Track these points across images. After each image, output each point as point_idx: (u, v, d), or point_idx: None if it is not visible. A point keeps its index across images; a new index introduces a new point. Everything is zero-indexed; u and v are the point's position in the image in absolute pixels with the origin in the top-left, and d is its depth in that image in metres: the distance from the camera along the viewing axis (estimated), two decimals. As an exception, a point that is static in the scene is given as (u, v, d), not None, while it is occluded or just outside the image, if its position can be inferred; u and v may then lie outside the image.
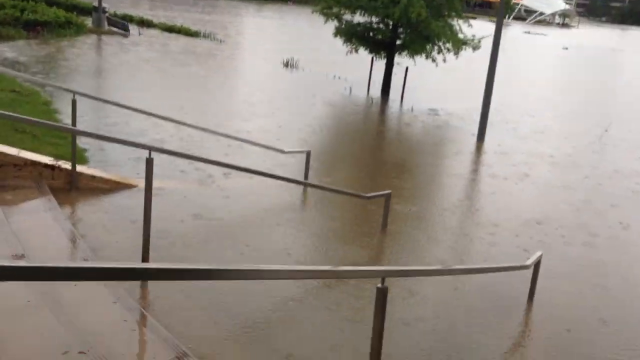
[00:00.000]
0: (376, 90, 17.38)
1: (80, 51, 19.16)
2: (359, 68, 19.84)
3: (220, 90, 15.46)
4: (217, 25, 32.93)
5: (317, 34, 36.51)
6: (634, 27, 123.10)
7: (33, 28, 21.10)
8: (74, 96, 7.14)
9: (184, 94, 14.19)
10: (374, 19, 16.83)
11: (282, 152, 8.33)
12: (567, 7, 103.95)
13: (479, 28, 17.45)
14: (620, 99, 22.94)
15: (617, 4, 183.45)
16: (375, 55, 17.40)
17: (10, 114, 6.27)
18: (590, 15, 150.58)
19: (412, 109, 15.22)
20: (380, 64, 17.61)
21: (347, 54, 17.55)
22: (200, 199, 7.47)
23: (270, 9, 61.35)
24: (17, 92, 11.63)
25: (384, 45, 16.98)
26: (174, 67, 18.42)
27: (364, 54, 17.56)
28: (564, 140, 13.38)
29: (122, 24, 25.20)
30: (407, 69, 16.53)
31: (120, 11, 30.25)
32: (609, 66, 37.54)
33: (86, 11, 29.19)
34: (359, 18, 16.82)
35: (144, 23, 28.44)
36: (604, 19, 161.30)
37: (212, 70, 18.95)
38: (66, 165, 7.34)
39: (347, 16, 17.11)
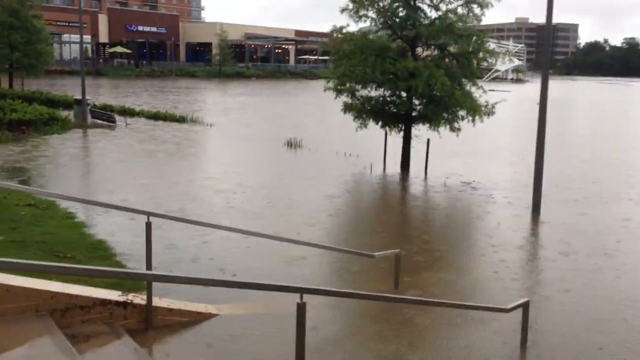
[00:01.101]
0: (393, 166, 16.68)
1: (74, 151, 18.06)
2: (366, 143, 19.32)
3: (237, 185, 14.39)
4: (195, 108, 32.23)
5: (301, 107, 36.26)
6: (579, 77, 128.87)
7: (17, 128, 19.93)
8: (148, 219, 6.03)
9: (199, 193, 13.14)
10: (387, 93, 16.34)
11: (370, 256, 7.30)
12: (520, 63, 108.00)
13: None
14: None
15: (561, 57, 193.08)
16: (389, 128, 16.79)
17: (85, 267, 5.09)
18: (537, 68, 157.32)
19: (444, 184, 14.49)
20: (389, 138, 17.08)
21: (356, 130, 16.91)
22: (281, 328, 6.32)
23: (236, 85, 61.36)
24: (33, 206, 10.41)
25: (398, 118, 16.43)
26: (177, 159, 17.44)
27: (369, 127, 16.86)
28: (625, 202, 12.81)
29: (107, 115, 24.22)
30: (428, 141, 15.94)
31: (98, 101, 29.34)
32: (596, 117, 38.16)
33: (63, 104, 28.24)
34: (369, 92, 16.30)
35: (125, 112, 27.51)
36: (550, 71, 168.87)
37: (217, 160, 18.00)
38: (138, 299, 6.19)
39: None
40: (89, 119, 23.88)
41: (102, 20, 77.84)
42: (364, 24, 16.64)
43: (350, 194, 14.04)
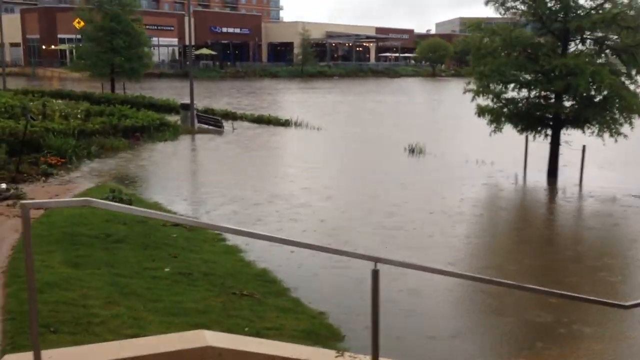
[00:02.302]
0: (535, 174, 15.07)
1: (199, 158, 17.59)
2: (491, 148, 17.78)
3: (383, 204, 13.21)
4: (292, 109, 31.35)
5: (398, 108, 34.58)
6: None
7: (132, 134, 19.62)
8: (375, 265, 4.85)
9: (352, 213, 12.04)
10: (532, 93, 14.74)
11: (622, 307, 5.84)
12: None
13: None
14: None
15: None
16: (532, 133, 15.16)
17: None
18: None
19: (613, 198, 12.73)
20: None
21: (490, 135, 15.47)
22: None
23: (322, 85, 60.38)
24: (180, 225, 9.59)
25: (545, 121, 14.78)
26: (304, 169, 16.38)
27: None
28: None
29: (214, 120, 23.72)
30: (584, 147, 14.21)
31: (198, 105, 29.03)
32: None
33: (165, 108, 28.09)
34: (518, 93, 14.75)
35: (228, 116, 26.98)
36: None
37: (348, 172, 16.70)
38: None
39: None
40: (196, 124, 23.46)
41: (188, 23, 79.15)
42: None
43: (504, 210, 12.56)
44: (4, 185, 11.49)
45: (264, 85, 59.52)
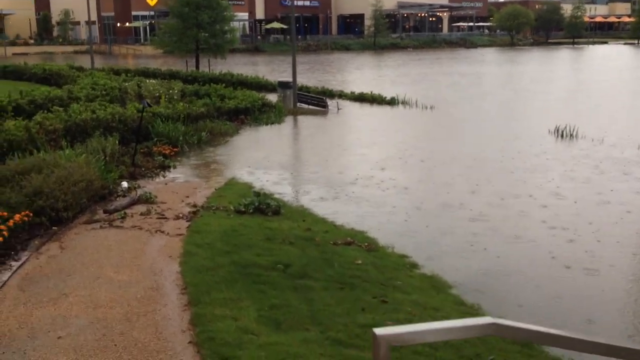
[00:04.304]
0: None
1: (321, 145, 15.44)
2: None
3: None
4: (386, 85, 28.91)
5: (500, 81, 31.36)
6: None
7: (236, 117, 17.83)
8: None
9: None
10: None
11: None
12: None
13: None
14: None
15: None
16: None
17: None
18: None
19: None
20: None
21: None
22: None
23: (400, 57, 57.30)
24: (355, 245, 7.56)
25: None
26: (451, 156, 14.16)
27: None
28: None
29: (317, 99, 21.68)
30: None
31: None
32: None
33: (255, 86, 26.33)
34: None
35: (325, 94, 24.86)
36: None
37: (500, 165, 14.52)
38: None
39: None
40: (297, 104, 21.50)
41: (259, -3, 77.42)
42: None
43: None
44: (125, 184, 9.80)
45: (341, 58, 57.11)
